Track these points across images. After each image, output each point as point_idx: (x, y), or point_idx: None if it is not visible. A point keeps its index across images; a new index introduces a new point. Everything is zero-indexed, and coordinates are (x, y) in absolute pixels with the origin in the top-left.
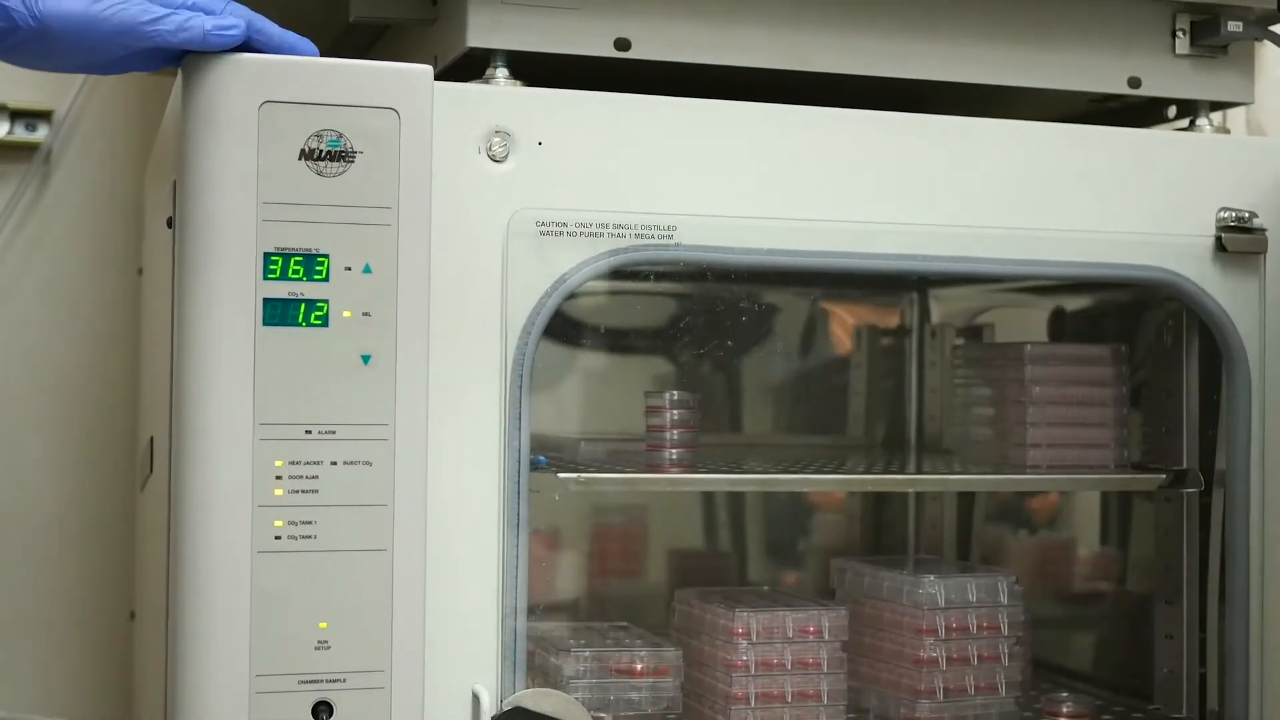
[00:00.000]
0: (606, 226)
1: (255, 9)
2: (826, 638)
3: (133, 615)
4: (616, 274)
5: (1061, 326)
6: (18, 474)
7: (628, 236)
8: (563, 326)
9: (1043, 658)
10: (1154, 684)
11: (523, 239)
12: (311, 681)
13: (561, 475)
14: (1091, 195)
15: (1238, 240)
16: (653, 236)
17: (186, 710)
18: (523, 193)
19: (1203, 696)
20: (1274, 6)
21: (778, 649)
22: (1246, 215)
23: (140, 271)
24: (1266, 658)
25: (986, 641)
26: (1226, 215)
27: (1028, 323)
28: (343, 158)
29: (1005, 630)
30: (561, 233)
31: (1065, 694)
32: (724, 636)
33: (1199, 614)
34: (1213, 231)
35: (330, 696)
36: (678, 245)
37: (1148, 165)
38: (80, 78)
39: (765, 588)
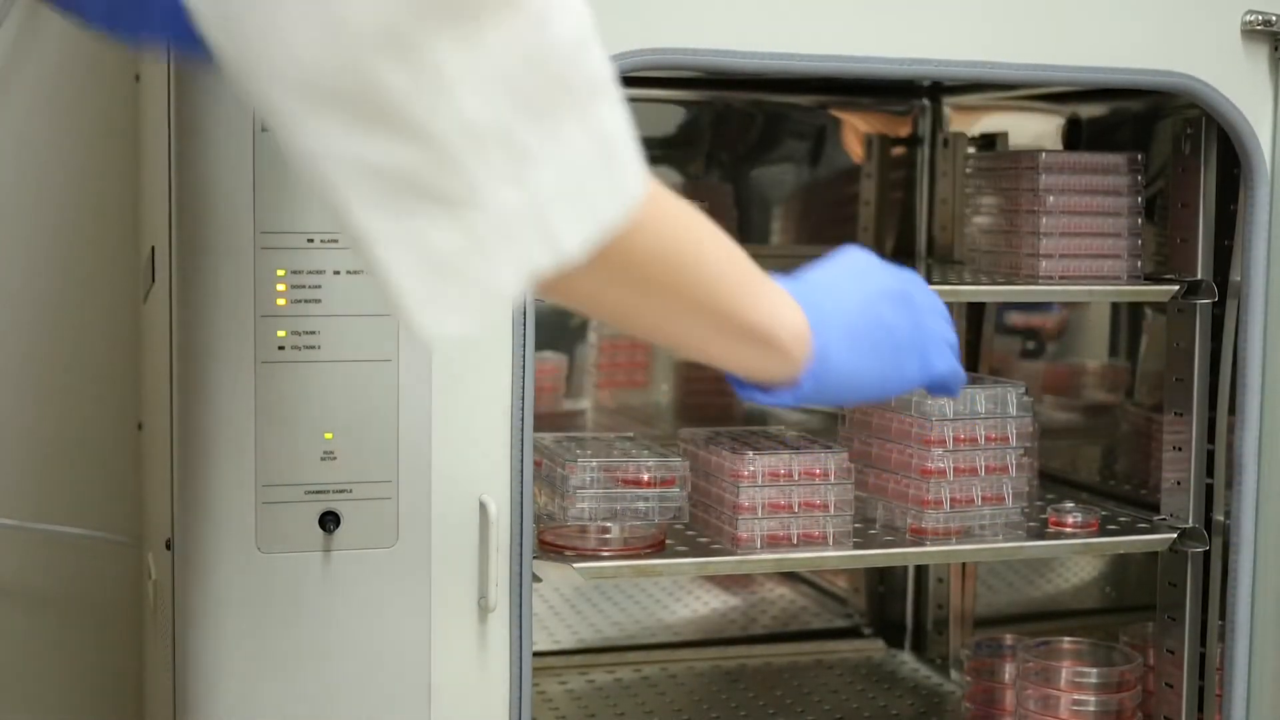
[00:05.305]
0: None
1: None
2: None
3: (140, 426)
4: (622, 80)
5: (1077, 136)
6: (19, 284)
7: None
8: None
9: (1050, 469)
10: (1160, 495)
11: None
12: (318, 492)
13: None
14: None
15: (1263, 45)
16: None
17: (194, 521)
18: None
19: (1209, 507)
20: None
21: (784, 459)
22: (1274, 19)
23: (138, 78)
24: (1275, 468)
25: (994, 452)
26: (1252, 19)
27: (1043, 133)
28: None
29: (1013, 441)
30: None
31: (1071, 504)
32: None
33: (1207, 426)
34: (1238, 36)
35: (337, 507)
36: (685, 49)
37: None
38: None
39: None
